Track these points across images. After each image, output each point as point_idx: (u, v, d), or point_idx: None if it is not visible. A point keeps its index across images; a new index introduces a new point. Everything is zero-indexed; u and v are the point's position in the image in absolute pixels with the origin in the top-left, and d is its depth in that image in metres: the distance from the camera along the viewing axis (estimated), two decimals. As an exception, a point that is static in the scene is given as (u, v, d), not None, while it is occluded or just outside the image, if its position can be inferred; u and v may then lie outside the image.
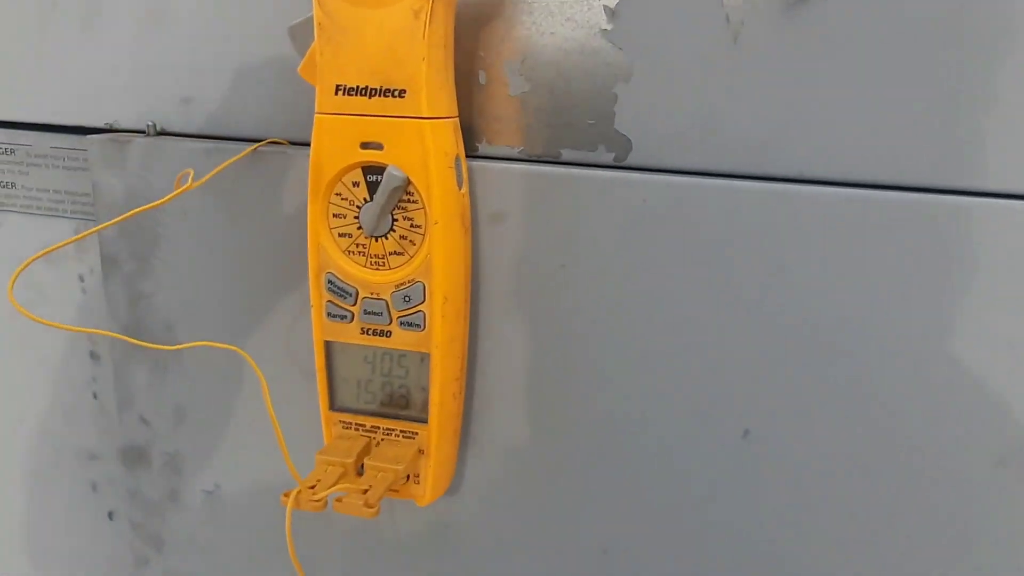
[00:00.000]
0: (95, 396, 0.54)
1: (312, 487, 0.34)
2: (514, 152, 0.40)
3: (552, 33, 0.39)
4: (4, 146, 0.51)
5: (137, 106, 0.47)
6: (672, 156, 0.39)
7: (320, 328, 0.38)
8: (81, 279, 0.52)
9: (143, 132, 0.47)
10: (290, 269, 0.43)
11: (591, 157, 0.40)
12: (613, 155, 0.39)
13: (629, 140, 0.39)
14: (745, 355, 0.39)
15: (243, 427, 0.48)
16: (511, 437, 0.43)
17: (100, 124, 0.48)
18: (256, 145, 0.42)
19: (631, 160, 0.39)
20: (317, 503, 0.33)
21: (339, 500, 0.34)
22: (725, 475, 0.41)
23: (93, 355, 0.54)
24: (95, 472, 0.56)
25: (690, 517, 0.42)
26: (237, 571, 0.51)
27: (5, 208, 0.52)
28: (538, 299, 0.41)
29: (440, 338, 0.37)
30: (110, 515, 0.57)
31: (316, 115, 0.35)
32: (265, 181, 0.43)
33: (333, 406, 0.39)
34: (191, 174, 0.37)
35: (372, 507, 0.33)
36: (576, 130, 0.40)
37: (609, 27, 0.38)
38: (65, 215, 0.52)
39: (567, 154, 0.40)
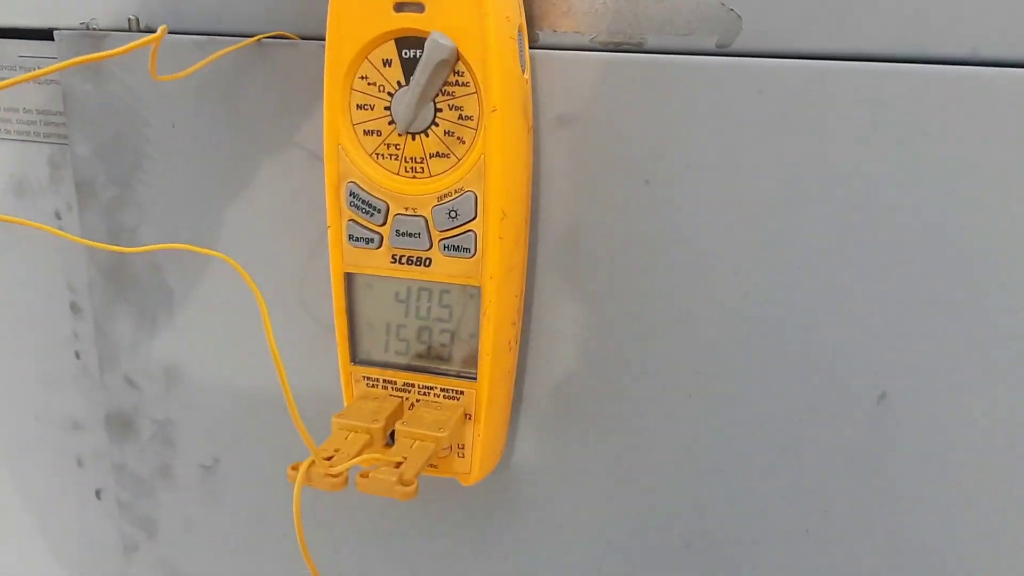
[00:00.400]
0: (77, 356, 0.46)
1: (329, 458, 0.26)
2: (586, 40, 0.31)
3: None
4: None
5: (117, 2, 0.39)
6: (795, 37, 0.30)
7: (339, 256, 0.30)
8: (58, 216, 0.44)
9: (124, 30, 0.38)
10: (304, 187, 0.34)
11: (686, 43, 0.31)
12: (716, 39, 0.30)
13: (739, 18, 0.30)
14: (886, 298, 0.30)
15: (245, 390, 0.40)
16: (576, 402, 0.34)
17: (75, 24, 0.40)
18: (260, 36, 0.34)
19: (739, 45, 0.30)
20: (335, 479, 0.25)
21: (364, 476, 0.25)
22: (853, 450, 0.32)
23: (74, 307, 0.46)
24: (80, 444, 0.49)
25: (806, 502, 0.34)
26: (240, 560, 0.43)
27: (-31, 132, 0.44)
28: (614, 224, 0.32)
29: (495, 268, 0.28)
30: (97, 493, 0.49)
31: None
32: (270, 80, 0.34)
33: (355, 358, 0.31)
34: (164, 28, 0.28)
35: (408, 485, 0.25)
36: (667, 8, 0.31)
37: None
38: (38, 139, 0.43)
39: (654, 40, 0.31)
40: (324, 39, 0.28)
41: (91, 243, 0.32)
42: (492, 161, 0.27)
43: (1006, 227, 0.29)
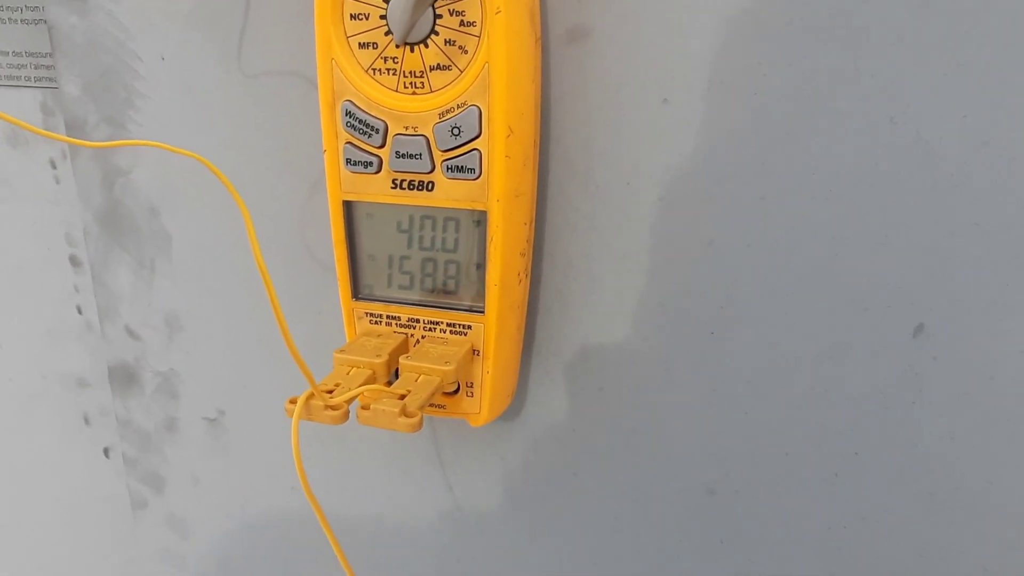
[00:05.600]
0: (79, 310, 0.45)
1: (329, 392, 0.24)
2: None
3: None
4: (-49, -2, 0.41)
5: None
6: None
7: (337, 183, 0.28)
8: (53, 164, 0.42)
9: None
10: (301, 118, 0.32)
11: (707, -54, 0.28)
12: (738, -59, 0.28)
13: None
14: (926, 224, 0.28)
15: (248, 338, 0.38)
16: (590, 341, 0.32)
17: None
18: (249, -44, 0.32)
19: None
20: (335, 412, 0.23)
21: (366, 408, 0.24)
22: (886, 388, 0.30)
23: (74, 260, 0.44)
24: (87, 402, 0.48)
25: (835, 444, 0.32)
26: (248, 513, 0.42)
27: (-42, 79, 0.43)
28: (630, 148, 0.30)
29: (502, 189, 0.26)
30: (105, 452, 0.48)
31: None
32: (264, 1, 0.32)
33: (357, 294, 0.29)
34: None
35: (412, 417, 0.23)
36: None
37: None
38: (29, 83, 0.42)
39: (672, -56, 0.28)
40: None
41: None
42: (497, 70, 0.25)
43: (1061, 136, 0.26)
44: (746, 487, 0.33)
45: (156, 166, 0.37)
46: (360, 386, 0.25)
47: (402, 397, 0.24)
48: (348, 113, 0.27)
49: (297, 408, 0.23)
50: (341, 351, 0.27)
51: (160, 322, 0.40)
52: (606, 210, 0.31)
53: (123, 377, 0.42)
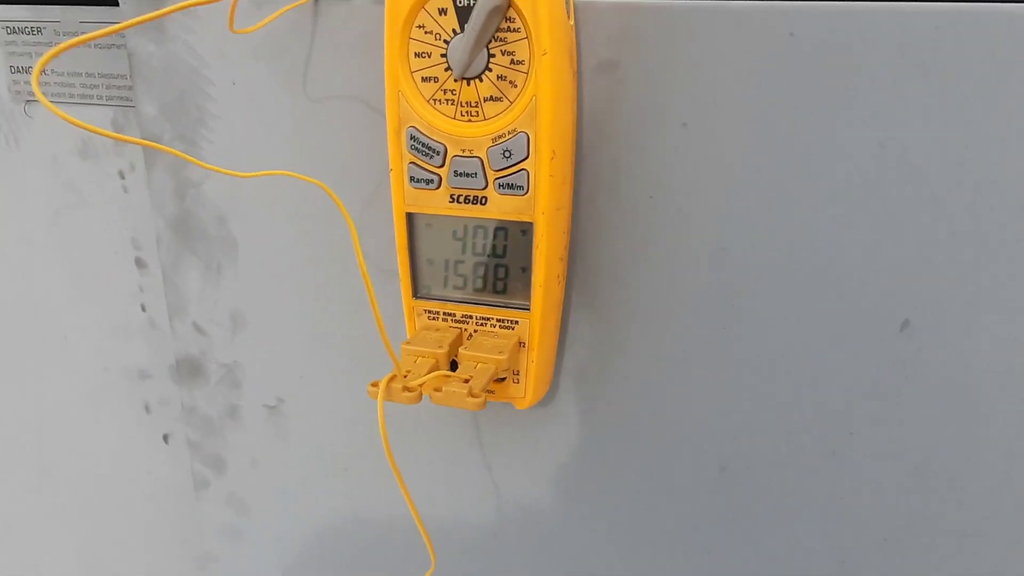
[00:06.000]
0: (143, 308, 0.50)
1: (404, 375, 0.29)
2: (622, -12, 0.33)
3: None
4: (28, 25, 0.46)
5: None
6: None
7: (401, 198, 0.32)
8: (122, 176, 0.47)
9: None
10: (361, 138, 0.37)
11: (721, -12, 0.32)
12: (748, -16, 0.32)
13: (769, -37, 0.32)
14: (912, 232, 0.32)
15: (307, 332, 0.43)
16: (615, 333, 0.37)
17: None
18: (314, -6, 0.36)
19: (771, -12, 0.32)
20: (411, 394, 0.28)
21: (438, 391, 0.28)
22: (877, 376, 0.35)
23: (139, 262, 0.49)
24: (148, 392, 0.52)
25: (832, 425, 0.36)
26: (303, 493, 0.47)
27: (35, 98, 0.47)
28: (652, 166, 0.34)
29: (546, 203, 0.30)
30: (165, 438, 0.53)
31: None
32: (327, 35, 0.36)
33: (417, 293, 0.34)
34: None
35: (477, 397, 0.27)
36: (701, -45, 0.32)
37: None
38: (101, 102, 0.46)
39: (689, -13, 0.33)
40: None
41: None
42: (543, 103, 0.29)
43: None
44: (755, 464, 0.38)
45: (225, 179, 0.41)
46: (427, 373, 0.29)
47: (466, 381, 0.28)
48: (412, 138, 0.31)
49: (380, 389, 0.27)
50: (408, 343, 0.31)
51: (225, 319, 0.44)
52: (631, 220, 0.35)
53: (189, 369, 0.46)
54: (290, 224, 0.41)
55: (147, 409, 0.53)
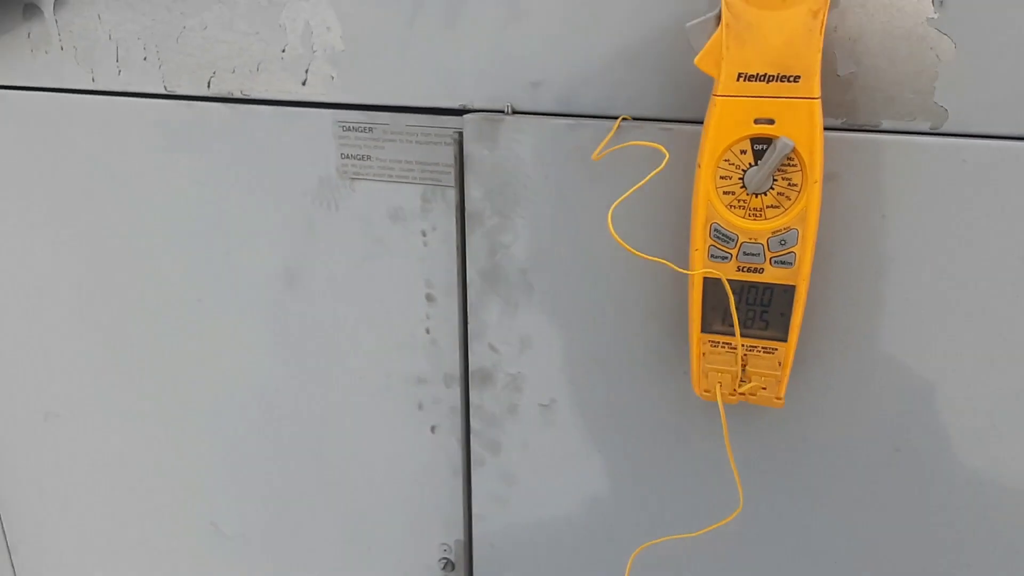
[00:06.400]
0: (427, 331, 0.66)
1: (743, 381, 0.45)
2: (838, 123, 0.49)
3: (882, 21, 0.47)
4: (363, 125, 0.62)
5: (488, 89, 0.57)
6: (991, 123, 0.47)
7: (700, 266, 0.48)
8: (423, 234, 0.63)
9: (499, 111, 0.57)
10: (648, 223, 0.53)
11: (909, 126, 0.48)
12: (929, 124, 0.48)
13: (945, 111, 0.47)
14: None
15: (580, 352, 0.59)
16: (827, 359, 0.53)
17: (454, 105, 0.58)
18: (622, 118, 0.52)
19: (947, 128, 0.48)
20: (737, 396, 0.44)
21: (753, 394, 0.44)
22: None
23: (429, 297, 0.65)
24: (422, 394, 0.69)
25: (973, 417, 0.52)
26: (566, 472, 0.63)
27: (360, 177, 0.64)
28: (854, 248, 0.50)
29: (805, 272, 0.46)
30: (432, 429, 0.69)
31: (716, 97, 0.45)
32: (622, 149, 0.52)
33: (704, 329, 0.50)
34: (666, 155, 0.47)
35: (780, 400, 0.44)
36: (896, 103, 0.48)
37: (935, 15, 0.46)
38: (413, 181, 0.62)
39: (887, 124, 0.49)
40: (650, 119, 0.46)
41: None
42: (810, 212, 0.45)
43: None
44: (924, 447, 0.54)
45: (529, 242, 0.57)
46: (732, 384, 0.46)
47: (764, 389, 0.45)
48: (715, 229, 0.47)
49: (719, 393, 0.44)
50: (708, 362, 0.48)
51: (516, 341, 0.61)
52: (844, 277, 0.51)
53: (481, 377, 0.63)
54: (575, 273, 0.57)
55: (420, 407, 0.69)
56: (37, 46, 0.70)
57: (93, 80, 0.69)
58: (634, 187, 0.47)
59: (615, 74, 0.53)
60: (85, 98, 0.70)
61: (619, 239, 0.45)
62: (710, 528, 0.53)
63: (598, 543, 0.64)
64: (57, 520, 0.94)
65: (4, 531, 0.99)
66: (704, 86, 0.48)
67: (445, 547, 0.74)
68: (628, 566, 0.58)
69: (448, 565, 0.74)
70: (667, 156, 0.47)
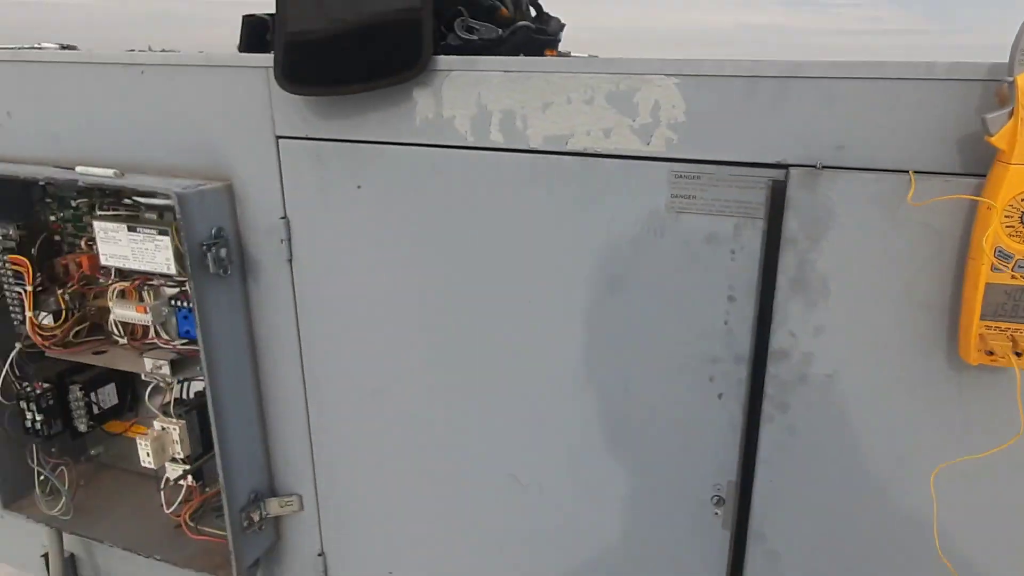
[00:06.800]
0: (726, 323, 0.89)
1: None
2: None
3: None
4: (693, 173, 0.85)
5: (800, 150, 0.80)
6: None
7: (983, 276, 0.71)
8: (732, 252, 0.86)
9: (811, 166, 0.80)
10: (924, 241, 0.76)
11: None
12: None
13: None
14: None
15: (863, 334, 0.82)
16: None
17: (770, 161, 0.82)
18: (912, 172, 0.75)
19: None
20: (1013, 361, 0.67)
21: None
22: None
23: (730, 298, 0.88)
24: (714, 370, 0.92)
25: None
26: (841, 425, 0.86)
27: (685, 211, 0.87)
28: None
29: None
30: (719, 396, 0.93)
31: (1008, 164, 0.68)
32: (895, 192, 0.75)
33: (983, 318, 0.73)
34: (986, 202, 0.70)
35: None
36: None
37: None
38: (729, 215, 0.86)
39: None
40: (931, 172, 0.70)
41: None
42: (1069, 238, 0.68)
43: None
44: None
45: (830, 255, 0.80)
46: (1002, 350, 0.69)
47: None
48: (998, 250, 0.70)
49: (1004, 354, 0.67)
50: (986, 342, 0.71)
51: (811, 329, 0.84)
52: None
53: (779, 355, 0.86)
54: (867, 282, 0.80)
55: (711, 379, 0.93)
56: (423, 114, 0.94)
57: (467, 138, 0.93)
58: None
59: (903, 140, 0.76)
60: (458, 151, 0.94)
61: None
62: (995, 449, 0.76)
63: (880, 469, 0.87)
64: (372, 475, 1.18)
65: (316, 489, 1.24)
66: (976, 149, 0.71)
67: (717, 486, 0.97)
68: (932, 483, 0.81)
69: (719, 501, 0.98)
70: (988, 203, 0.69)
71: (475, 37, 0.97)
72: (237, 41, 1.10)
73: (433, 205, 0.98)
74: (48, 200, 1.30)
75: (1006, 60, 0.69)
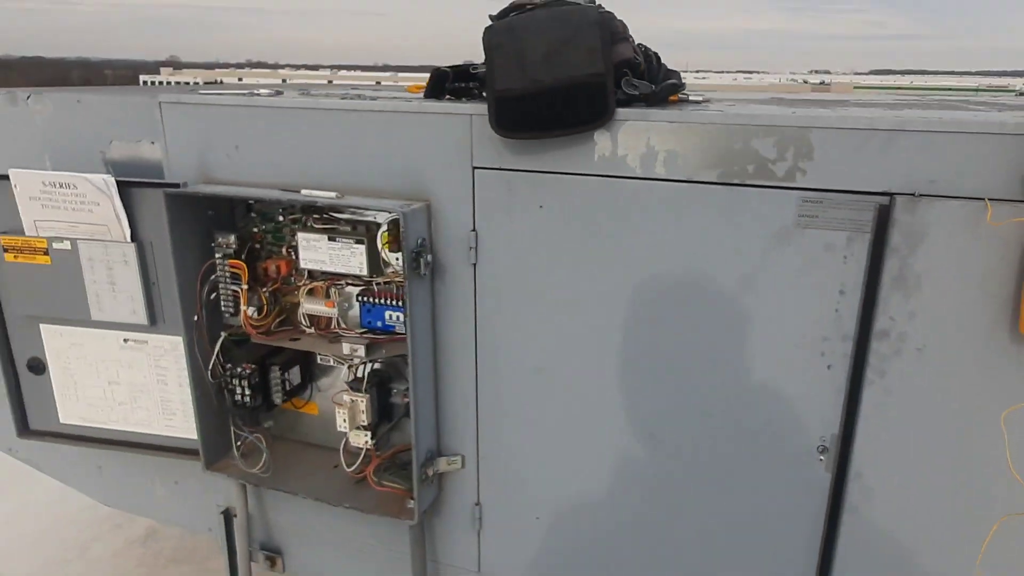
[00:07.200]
0: (836, 311, 1.18)
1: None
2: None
3: None
4: (817, 199, 1.14)
5: (899, 180, 1.09)
6: None
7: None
8: (844, 258, 1.15)
9: (910, 194, 1.08)
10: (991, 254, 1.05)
11: None
12: None
13: None
14: None
15: (947, 317, 1.11)
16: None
17: (876, 189, 1.10)
18: (988, 199, 1.04)
19: None
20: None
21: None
22: None
23: (841, 292, 1.17)
24: (824, 347, 1.20)
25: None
26: (929, 389, 1.15)
27: (809, 227, 1.15)
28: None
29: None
30: (828, 367, 1.21)
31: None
32: (958, 215, 1.04)
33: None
34: None
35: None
36: None
37: None
38: (842, 229, 1.14)
39: None
40: (1002, 199, 0.99)
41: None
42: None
43: None
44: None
45: (924, 262, 1.09)
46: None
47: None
48: (1052, 257, 0.99)
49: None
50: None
51: (906, 314, 1.13)
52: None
53: (880, 334, 1.15)
54: (952, 277, 1.09)
55: (822, 354, 1.21)
56: (600, 152, 1.23)
57: (636, 171, 1.22)
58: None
59: (981, 177, 1.05)
60: (629, 181, 1.23)
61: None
62: None
63: (957, 418, 1.15)
64: (527, 438, 1.46)
65: (478, 449, 1.52)
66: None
67: (823, 438, 1.26)
68: (1002, 422, 1.09)
69: (824, 449, 1.26)
70: None
71: (637, 92, 1.26)
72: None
73: (603, 222, 1.27)
74: (253, 215, 1.58)
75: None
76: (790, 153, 1.13)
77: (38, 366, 1.73)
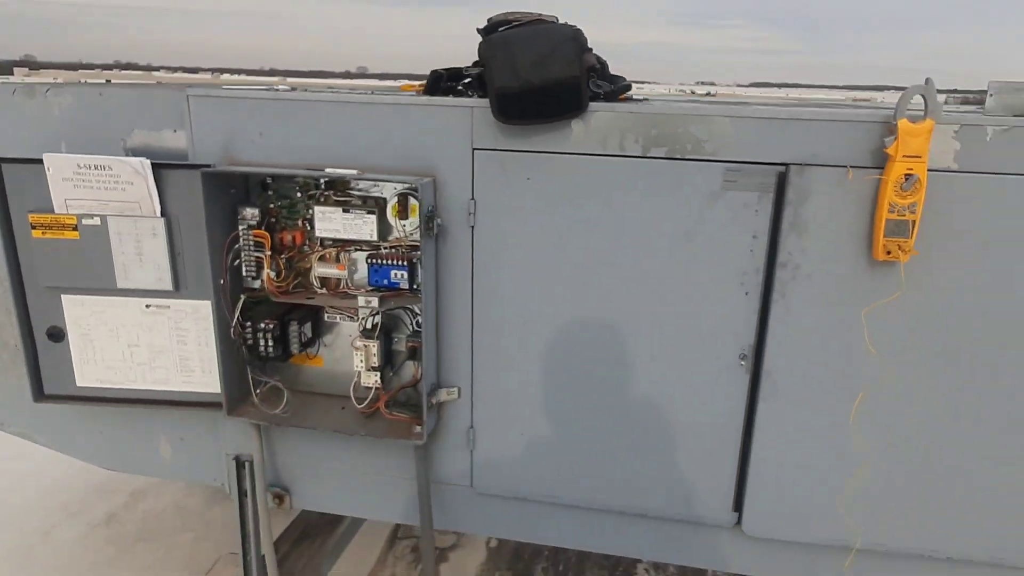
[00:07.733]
0: (751, 251, 1.62)
1: None
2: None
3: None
4: (737, 168, 1.57)
5: (793, 155, 1.54)
6: None
7: (883, 216, 1.47)
8: (756, 211, 1.59)
9: (799, 164, 1.53)
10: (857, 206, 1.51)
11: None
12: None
13: (956, 163, 1.49)
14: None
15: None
16: None
17: (777, 161, 1.55)
18: (849, 167, 1.51)
19: (956, 168, 1.49)
20: None
21: None
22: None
23: (754, 236, 1.60)
24: (743, 279, 1.64)
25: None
26: (820, 308, 1.60)
27: (731, 189, 1.58)
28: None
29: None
30: (746, 294, 1.64)
31: (894, 161, 1.44)
32: (841, 173, 1.50)
33: (885, 236, 1.48)
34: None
35: None
36: (940, 160, 1.49)
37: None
38: (754, 191, 1.58)
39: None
40: (850, 166, 1.45)
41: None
42: (922, 195, 1.45)
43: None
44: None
45: (815, 205, 1.54)
46: None
47: None
48: (891, 205, 1.46)
49: None
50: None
51: (799, 250, 1.57)
52: (923, 219, 1.51)
53: (782, 265, 1.59)
54: (831, 221, 1.55)
55: (741, 284, 1.65)
56: (576, 134, 1.61)
57: (603, 149, 1.61)
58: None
59: (845, 151, 1.51)
60: (599, 157, 1.62)
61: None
62: (891, 298, 1.52)
63: (829, 316, 1.61)
64: (515, 373, 1.81)
65: (472, 382, 1.85)
66: (881, 155, 1.47)
67: (743, 348, 1.69)
68: (863, 317, 1.56)
69: (744, 357, 1.70)
70: (885, 179, 1.45)
71: (600, 91, 1.65)
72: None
73: (578, 190, 1.64)
74: (269, 193, 1.84)
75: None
76: (717, 136, 1.56)
77: (58, 334, 1.90)
